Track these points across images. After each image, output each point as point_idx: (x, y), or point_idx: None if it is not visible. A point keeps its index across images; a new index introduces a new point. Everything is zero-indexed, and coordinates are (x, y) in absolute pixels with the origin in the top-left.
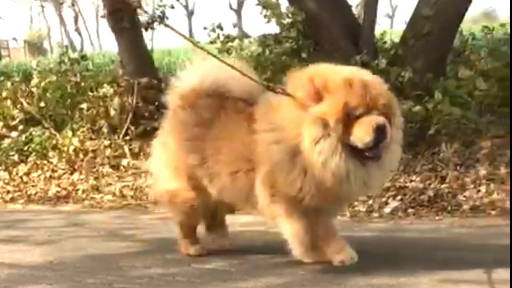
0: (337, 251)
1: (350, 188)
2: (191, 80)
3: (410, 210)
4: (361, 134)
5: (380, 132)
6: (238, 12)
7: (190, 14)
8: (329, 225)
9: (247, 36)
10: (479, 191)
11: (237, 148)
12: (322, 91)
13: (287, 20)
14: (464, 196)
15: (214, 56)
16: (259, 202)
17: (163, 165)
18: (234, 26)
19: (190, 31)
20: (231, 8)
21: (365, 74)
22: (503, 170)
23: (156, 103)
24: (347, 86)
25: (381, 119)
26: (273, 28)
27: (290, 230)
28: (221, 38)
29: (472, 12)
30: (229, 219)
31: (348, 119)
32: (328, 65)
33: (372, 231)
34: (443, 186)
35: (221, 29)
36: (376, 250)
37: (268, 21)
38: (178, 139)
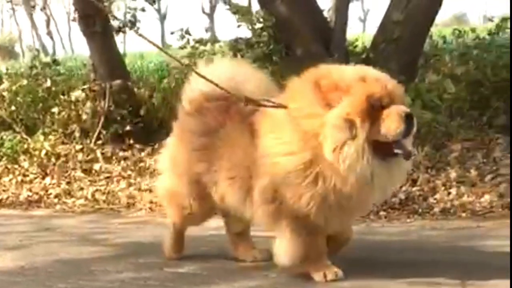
0: (321, 270)
1: (370, 194)
2: (202, 85)
3: (381, 213)
4: (393, 124)
5: (410, 121)
6: (210, 16)
7: (162, 18)
8: (321, 246)
9: (217, 41)
10: (449, 193)
11: (238, 155)
12: (334, 93)
13: (258, 25)
14: (435, 199)
15: (187, 65)
16: (256, 211)
17: (170, 167)
18: (207, 30)
19: (163, 35)
20: (203, 12)
21: (370, 69)
22: (473, 173)
23: (129, 107)
24: (361, 81)
25: (406, 108)
26: (246, 32)
27: (285, 245)
28: (191, 43)
29: (443, 17)
30: None
31: (373, 111)
32: (325, 67)
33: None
34: (414, 189)
35: (189, 34)
36: (347, 253)
37: (239, 26)
38: (185, 145)
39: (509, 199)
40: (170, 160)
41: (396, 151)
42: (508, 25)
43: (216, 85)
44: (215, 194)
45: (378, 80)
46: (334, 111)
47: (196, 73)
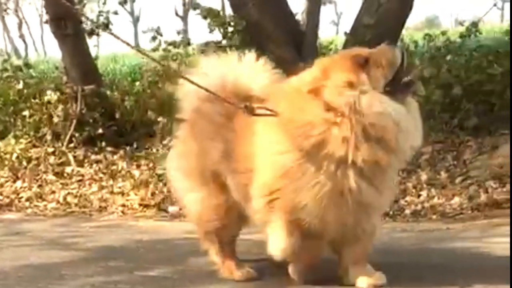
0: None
1: (403, 139)
2: (211, 80)
3: None
4: (387, 55)
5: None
6: (184, 18)
7: (135, 20)
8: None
9: (189, 43)
10: (420, 195)
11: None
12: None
13: (229, 29)
14: (406, 201)
15: (158, 62)
16: (253, 205)
17: (185, 176)
18: (179, 32)
19: (136, 37)
20: (177, 15)
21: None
22: (443, 175)
23: (102, 110)
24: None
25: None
26: (219, 35)
27: (279, 244)
28: (163, 45)
29: (415, 20)
30: (173, 226)
31: (361, 64)
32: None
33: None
34: None
35: (161, 35)
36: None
37: (211, 31)
38: (200, 138)
39: (478, 201)
40: (184, 168)
41: (404, 80)
42: (478, 29)
43: (207, 90)
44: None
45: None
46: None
47: (189, 80)
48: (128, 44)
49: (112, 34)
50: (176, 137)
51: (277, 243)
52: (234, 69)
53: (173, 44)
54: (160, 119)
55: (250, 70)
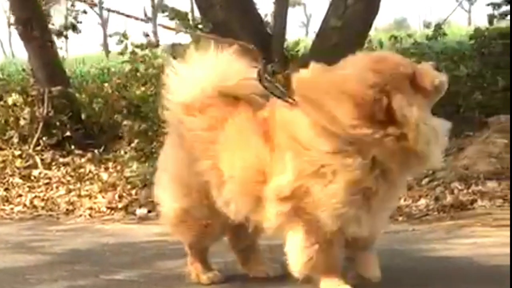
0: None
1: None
2: (198, 82)
3: None
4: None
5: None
6: (153, 20)
7: (104, 22)
8: (335, 258)
9: (156, 46)
10: None
11: (247, 157)
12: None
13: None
14: None
15: None
16: (268, 212)
17: (170, 183)
18: (146, 34)
19: (105, 40)
20: (145, 16)
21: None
22: (409, 177)
23: (69, 112)
24: None
25: None
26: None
27: (296, 254)
28: (130, 48)
29: (384, 22)
30: (141, 228)
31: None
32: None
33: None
34: None
35: (126, 38)
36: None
37: (178, 33)
38: (188, 147)
39: (444, 202)
40: (169, 175)
41: None
42: (443, 31)
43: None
44: (218, 198)
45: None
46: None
47: None
48: (137, 18)
49: (109, 10)
50: (168, 136)
51: (298, 257)
52: (216, 68)
53: (140, 46)
54: (127, 122)
55: (232, 68)
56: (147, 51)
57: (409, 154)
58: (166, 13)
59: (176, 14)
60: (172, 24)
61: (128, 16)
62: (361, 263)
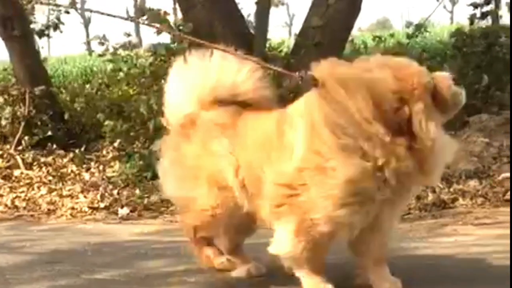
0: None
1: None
2: (207, 82)
3: None
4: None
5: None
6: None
7: (87, 22)
8: (322, 257)
9: (137, 46)
10: None
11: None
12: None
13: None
14: None
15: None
16: (264, 196)
17: (180, 180)
18: (128, 34)
19: (88, 41)
20: (128, 16)
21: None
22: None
23: (51, 112)
24: None
25: None
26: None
27: (285, 247)
28: (111, 49)
29: (367, 22)
30: (123, 228)
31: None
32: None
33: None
34: None
35: (107, 40)
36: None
37: (159, 33)
38: (201, 140)
39: (426, 201)
40: (177, 174)
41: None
42: (425, 29)
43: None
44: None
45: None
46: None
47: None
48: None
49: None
50: (165, 145)
51: (283, 245)
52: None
53: (122, 47)
54: (109, 122)
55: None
56: (129, 51)
57: (414, 167)
58: (146, 16)
59: (155, 17)
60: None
61: (109, 15)
62: (374, 277)
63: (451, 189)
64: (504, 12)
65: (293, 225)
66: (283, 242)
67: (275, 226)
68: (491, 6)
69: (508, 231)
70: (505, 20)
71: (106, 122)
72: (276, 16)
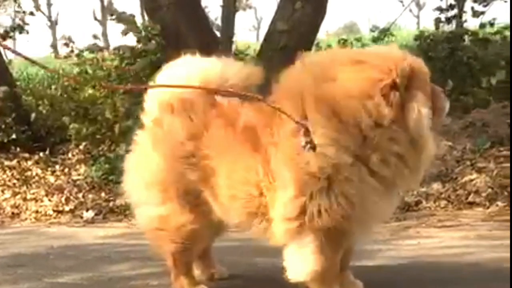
0: None
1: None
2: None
3: None
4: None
5: None
6: (103, 22)
7: (54, 24)
8: (337, 266)
9: (102, 49)
10: None
11: (239, 171)
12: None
13: (144, 34)
14: None
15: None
16: (275, 226)
17: (146, 188)
18: (95, 37)
19: (55, 41)
20: (95, 18)
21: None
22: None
23: (15, 115)
24: None
25: None
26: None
27: (305, 262)
28: (76, 51)
29: (335, 26)
30: (87, 231)
31: None
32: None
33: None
34: None
35: (73, 42)
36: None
37: (126, 34)
38: (169, 154)
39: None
40: (144, 179)
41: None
42: (390, 33)
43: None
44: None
45: None
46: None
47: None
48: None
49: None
50: (135, 142)
51: (306, 265)
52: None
53: (88, 49)
54: (74, 125)
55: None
56: (95, 54)
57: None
58: (114, 16)
59: (121, 19)
60: (120, 27)
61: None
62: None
63: (415, 192)
64: (468, 16)
65: (310, 242)
66: (306, 263)
67: (291, 252)
68: (455, 11)
69: (470, 233)
70: (469, 24)
71: (71, 126)
72: (244, 19)
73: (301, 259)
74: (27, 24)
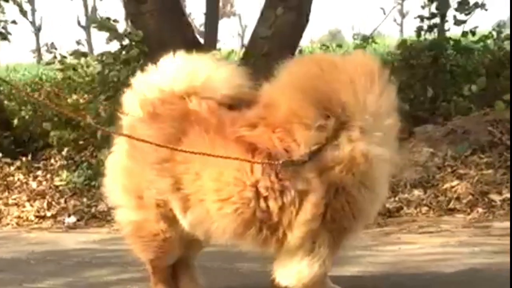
0: None
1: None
2: (160, 81)
3: None
4: None
5: None
6: (87, 29)
7: (37, 30)
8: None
9: (85, 55)
10: None
11: (232, 172)
12: None
13: (126, 41)
14: None
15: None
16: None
17: (124, 192)
18: (78, 42)
19: (39, 48)
20: (79, 25)
21: None
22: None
23: None
24: None
25: None
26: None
27: (308, 266)
28: (58, 57)
29: (319, 34)
30: (68, 237)
31: None
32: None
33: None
34: None
35: (55, 48)
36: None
37: (109, 41)
38: (142, 161)
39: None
40: (122, 183)
41: None
42: (373, 40)
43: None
44: (184, 220)
45: None
46: None
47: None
48: None
49: None
50: (115, 143)
51: (312, 269)
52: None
53: (72, 54)
54: (55, 132)
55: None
56: (78, 60)
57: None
58: (94, 24)
59: (103, 26)
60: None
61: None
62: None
63: (396, 198)
64: (450, 24)
65: (321, 245)
66: (312, 267)
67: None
68: (437, 19)
69: (451, 239)
70: (452, 32)
71: (52, 133)
72: (228, 26)
73: (310, 263)
74: (10, 33)
